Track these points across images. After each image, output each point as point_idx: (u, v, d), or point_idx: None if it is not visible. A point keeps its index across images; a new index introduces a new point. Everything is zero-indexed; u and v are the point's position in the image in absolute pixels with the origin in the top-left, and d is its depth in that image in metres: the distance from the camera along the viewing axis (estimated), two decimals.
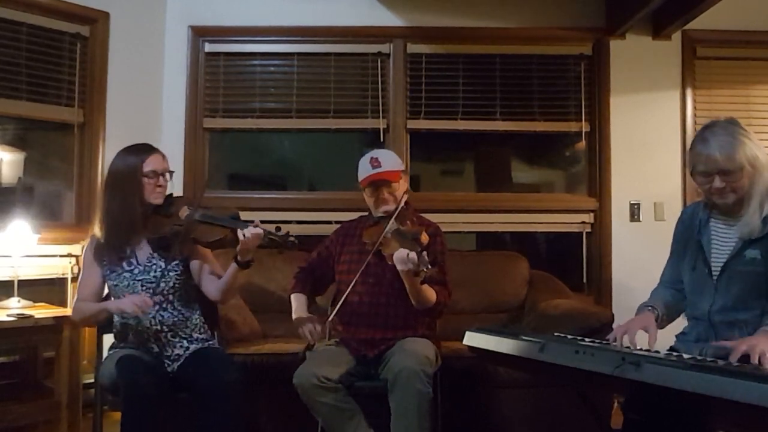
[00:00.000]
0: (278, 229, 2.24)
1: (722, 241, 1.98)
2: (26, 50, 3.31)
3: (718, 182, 1.89)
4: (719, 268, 1.95)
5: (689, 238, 2.07)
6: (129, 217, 2.30)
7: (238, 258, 2.24)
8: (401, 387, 2.21)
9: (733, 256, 1.93)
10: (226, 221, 2.28)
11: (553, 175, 4.24)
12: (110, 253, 2.33)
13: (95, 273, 2.36)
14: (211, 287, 2.36)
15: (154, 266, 2.33)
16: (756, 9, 3.80)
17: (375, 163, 2.53)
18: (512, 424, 2.87)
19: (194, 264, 2.40)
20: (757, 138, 1.94)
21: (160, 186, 2.34)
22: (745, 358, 1.64)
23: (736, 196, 1.91)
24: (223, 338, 2.62)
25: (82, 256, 2.46)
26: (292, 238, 2.24)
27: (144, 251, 2.36)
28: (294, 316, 2.49)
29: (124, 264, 2.33)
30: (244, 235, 2.18)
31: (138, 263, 2.34)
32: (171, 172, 2.40)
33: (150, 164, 2.32)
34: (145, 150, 2.36)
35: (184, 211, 2.33)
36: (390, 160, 2.58)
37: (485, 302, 3.42)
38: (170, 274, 2.34)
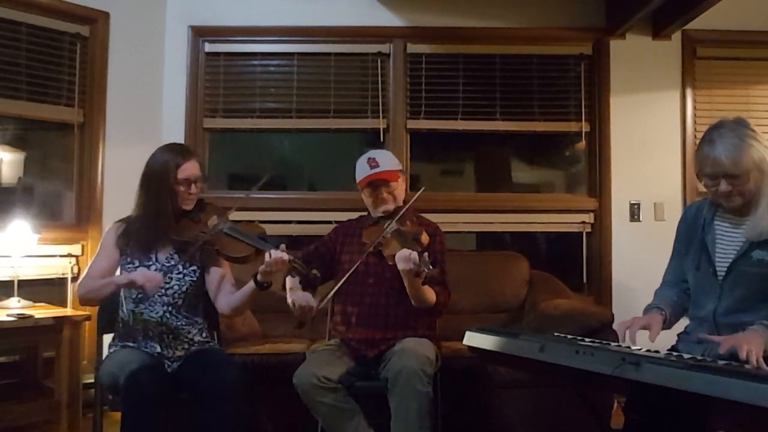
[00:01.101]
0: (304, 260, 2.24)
1: (728, 241, 1.95)
2: (26, 50, 3.31)
3: (724, 186, 1.86)
4: (725, 269, 1.93)
5: (693, 237, 2.04)
6: (158, 218, 2.31)
7: (258, 278, 2.23)
8: (401, 387, 2.21)
9: (740, 257, 1.90)
10: (253, 240, 2.25)
11: (553, 175, 4.23)
12: (134, 244, 2.34)
13: (111, 256, 2.36)
14: (225, 301, 2.36)
15: (171, 267, 2.33)
16: (756, 9, 3.80)
17: (373, 163, 2.53)
18: (512, 424, 2.87)
19: (214, 272, 2.39)
20: None
21: (191, 193, 2.34)
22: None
23: (743, 200, 1.88)
24: (223, 339, 2.61)
25: (103, 237, 2.45)
26: (315, 272, 2.23)
27: (165, 250, 2.36)
28: (289, 294, 2.46)
29: (144, 259, 2.33)
30: (269, 258, 2.17)
31: (157, 260, 2.34)
32: (205, 178, 2.40)
33: (184, 171, 2.31)
34: (182, 154, 2.35)
35: (213, 221, 2.32)
36: (388, 160, 2.58)
37: (485, 302, 3.42)
38: (185, 278, 2.34)
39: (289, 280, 2.54)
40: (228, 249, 2.27)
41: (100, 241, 2.45)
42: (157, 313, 2.30)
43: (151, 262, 2.33)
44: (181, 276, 2.34)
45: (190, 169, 2.33)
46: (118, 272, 2.37)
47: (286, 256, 2.17)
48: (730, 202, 1.90)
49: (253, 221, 2.45)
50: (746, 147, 1.83)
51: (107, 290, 2.28)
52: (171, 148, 2.41)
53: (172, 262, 2.34)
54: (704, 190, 2.00)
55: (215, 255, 2.33)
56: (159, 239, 2.34)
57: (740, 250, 1.91)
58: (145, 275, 2.17)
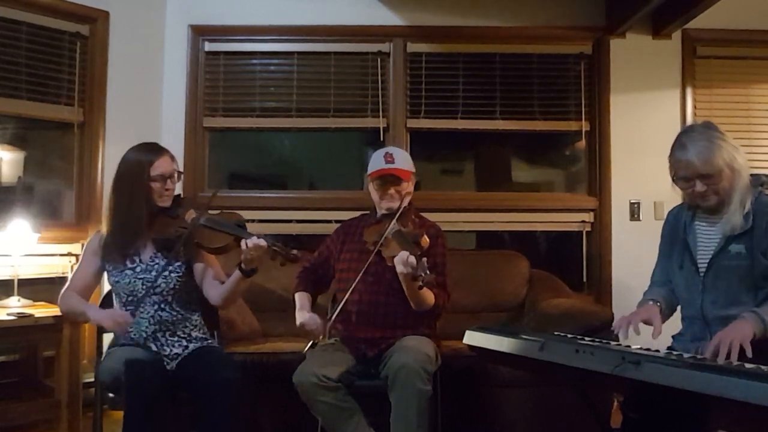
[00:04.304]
0: (284, 244, 2.24)
1: (706, 238, 2.03)
2: (26, 49, 3.31)
3: (699, 186, 1.95)
4: (705, 265, 2.00)
5: (676, 238, 2.13)
6: (135, 220, 2.30)
7: (242, 266, 2.24)
8: (401, 384, 2.21)
9: (718, 252, 1.98)
10: (230, 228, 2.27)
11: (553, 174, 4.23)
12: (115, 251, 2.33)
13: (92, 266, 2.37)
14: (213, 292, 2.36)
15: (156, 266, 2.33)
16: (756, 8, 3.80)
17: (389, 158, 2.53)
18: (512, 422, 2.87)
19: (197, 267, 2.40)
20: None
21: (167, 189, 2.34)
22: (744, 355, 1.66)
23: (718, 198, 1.97)
24: (223, 338, 2.61)
25: (85, 246, 2.45)
26: (294, 252, 2.24)
27: (148, 250, 2.36)
28: (298, 314, 2.48)
29: (127, 261, 2.33)
30: (246, 246, 2.18)
31: (141, 261, 2.34)
32: (180, 173, 2.40)
33: (158, 168, 2.30)
34: (153, 151, 2.34)
35: (190, 215, 2.32)
36: (404, 159, 2.58)
37: (485, 301, 3.43)
38: (171, 275, 2.34)
39: (297, 297, 2.56)
40: (207, 240, 2.28)
41: (83, 250, 2.44)
42: (148, 312, 2.30)
43: (135, 264, 2.33)
44: (167, 273, 2.33)
45: (163, 165, 2.32)
46: (105, 278, 2.38)
47: (264, 242, 2.18)
48: (706, 201, 1.99)
49: (233, 210, 2.44)
50: (716, 147, 1.92)
51: (80, 319, 2.32)
52: (141, 146, 2.38)
53: (157, 261, 2.34)
54: None
55: (197, 248, 2.33)
56: (137, 241, 2.33)
57: (718, 246, 1.98)
58: (114, 319, 2.18)
